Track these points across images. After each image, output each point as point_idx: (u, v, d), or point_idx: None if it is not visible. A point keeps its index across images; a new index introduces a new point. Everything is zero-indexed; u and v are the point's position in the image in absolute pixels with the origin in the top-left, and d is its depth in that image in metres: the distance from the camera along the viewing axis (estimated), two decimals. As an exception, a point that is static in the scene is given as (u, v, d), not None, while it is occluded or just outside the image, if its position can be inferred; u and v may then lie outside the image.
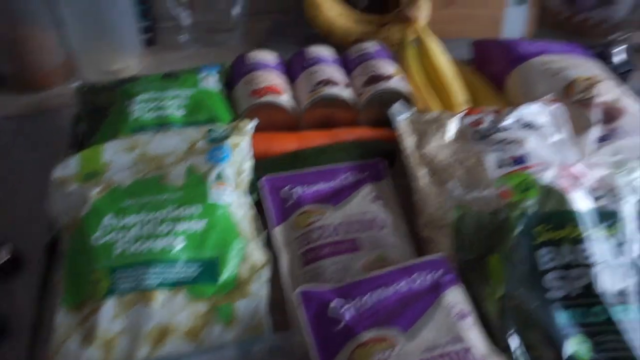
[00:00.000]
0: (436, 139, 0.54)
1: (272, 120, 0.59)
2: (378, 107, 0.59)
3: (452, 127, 0.55)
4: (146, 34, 0.79)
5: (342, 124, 0.61)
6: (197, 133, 0.51)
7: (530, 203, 0.44)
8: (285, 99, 0.58)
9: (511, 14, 0.82)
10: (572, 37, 0.78)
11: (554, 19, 0.87)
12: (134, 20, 0.72)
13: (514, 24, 0.83)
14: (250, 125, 0.53)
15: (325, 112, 0.60)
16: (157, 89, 0.58)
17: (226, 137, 0.51)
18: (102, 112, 0.58)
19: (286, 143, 0.58)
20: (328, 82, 0.59)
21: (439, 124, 0.55)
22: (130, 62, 0.73)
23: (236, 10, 0.79)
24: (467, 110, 0.57)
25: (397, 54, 0.69)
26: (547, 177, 0.45)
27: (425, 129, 0.55)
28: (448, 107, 0.63)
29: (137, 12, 0.75)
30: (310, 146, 0.58)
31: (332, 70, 0.62)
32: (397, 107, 0.57)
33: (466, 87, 0.66)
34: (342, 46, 0.75)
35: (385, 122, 0.57)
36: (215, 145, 0.49)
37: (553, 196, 0.44)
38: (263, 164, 0.54)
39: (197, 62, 0.75)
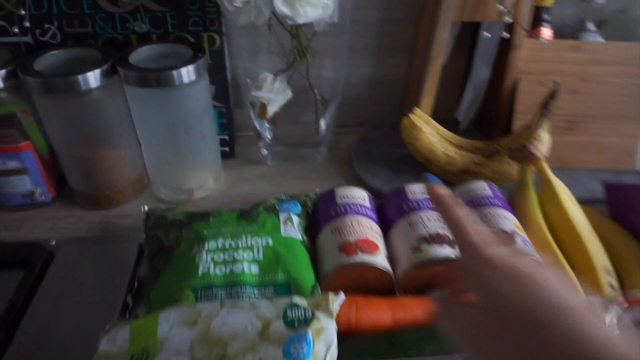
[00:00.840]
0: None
1: (361, 281, 0.48)
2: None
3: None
4: (225, 147, 0.73)
5: (444, 284, 0.49)
6: (272, 309, 0.41)
7: None
8: (380, 258, 0.48)
9: (649, 145, 0.69)
10: None
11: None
12: (215, 138, 0.66)
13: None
14: (338, 301, 0.42)
15: (428, 274, 0.49)
16: (230, 235, 0.49)
17: (308, 320, 0.40)
18: (167, 253, 0.51)
19: (377, 313, 0.47)
20: (434, 239, 0.48)
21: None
22: (206, 179, 0.66)
23: (323, 124, 0.72)
24: (625, 300, 0.43)
25: (511, 197, 0.57)
26: None
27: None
28: (586, 274, 0.49)
29: (218, 124, 0.70)
30: (408, 319, 0.46)
31: (437, 220, 0.51)
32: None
33: (604, 245, 0.52)
34: (443, 174, 0.65)
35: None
36: (295, 333, 0.39)
37: None
38: (348, 346, 0.43)
39: (278, 181, 0.69)
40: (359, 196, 0.55)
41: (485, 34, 0.61)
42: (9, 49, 0.59)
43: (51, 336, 0.47)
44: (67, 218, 0.63)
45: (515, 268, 0.29)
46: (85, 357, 0.40)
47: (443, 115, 0.71)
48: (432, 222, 0.51)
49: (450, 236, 0.50)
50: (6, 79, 0.54)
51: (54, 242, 0.57)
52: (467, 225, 0.33)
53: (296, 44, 0.62)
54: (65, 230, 0.61)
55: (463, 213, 0.34)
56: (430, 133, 0.65)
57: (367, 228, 0.50)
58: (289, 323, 0.40)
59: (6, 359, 0.45)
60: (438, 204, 0.35)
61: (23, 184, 0.60)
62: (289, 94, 0.66)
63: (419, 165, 0.68)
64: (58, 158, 0.61)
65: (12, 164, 0.59)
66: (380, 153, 0.73)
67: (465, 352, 0.30)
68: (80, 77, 0.53)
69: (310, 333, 0.39)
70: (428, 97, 0.69)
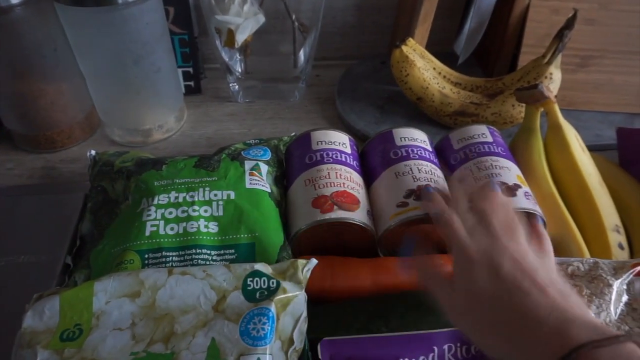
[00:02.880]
0: (594, 310, 0.35)
1: (337, 240, 0.42)
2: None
3: (618, 295, 0.35)
4: (189, 81, 0.64)
5: (437, 247, 0.43)
6: (230, 278, 0.35)
7: None
8: (360, 214, 0.41)
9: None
10: None
11: None
12: (174, 71, 0.56)
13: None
14: (308, 268, 0.36)
15: (416, 231, 0.42)
16: (185, 187, 0.42)
17: (272, 290, 0.34)
18: (113, 207, 0.43)
19: (356, 275, 0.41)
20: (424, 194, 0.41)
21: (596, 287, 0.36)
22: (165, 118, 0.57)
23: (302, 55, 0.62)
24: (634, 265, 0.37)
25: (514, 143, 0.50)
26: None
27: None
28: (593, 233, 0.43)
29: (179, 55, 0.61)
30: (391, 283, 0.41)
31: (429, 172, 0.44)
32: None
33: (614, 198, 0.46)
34: (436, 115, 0.57)
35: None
36: (255, 307, 0.33)
37: None
38: (321, 315, 0.37)
39: (249, 121, 0.61)
40: (339, 140, 0.47)
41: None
42: None
43: (-27, 304, 0.40)
44: (5, 163, 0.55)
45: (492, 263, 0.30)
46: (12, 332, 0.33)
47: (438, 48, 0.62)
48: (422, 173, 0.43)
49: (445, 190, 0.43)
50: None
51: (-15, 191, 0.50)
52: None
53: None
54: (1, 177, 0.53)
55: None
56: (424, 68, 0.56)
57: (346, 179, 0.43)
58: (249, 294, 0.34)
59: None
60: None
61: (-56, 123, 0.52)
62: (260, 19, 0.56)
63: (410, 105, 0.60)
64: (-15, 93, 0.52)
65: None
66: (366, 90, 0.64)
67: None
68: (-4, -10, 0.43)
69: (273, 307, 0.33)
70: (423, 25, 0.59)
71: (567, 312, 0.26)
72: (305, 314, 0.34)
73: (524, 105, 0.53)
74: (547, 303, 0.27)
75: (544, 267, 0.30)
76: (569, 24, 0.50)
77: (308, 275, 0.36)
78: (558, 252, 0.40)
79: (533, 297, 0.27)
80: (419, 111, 0.59)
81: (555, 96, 0.49)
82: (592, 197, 0.45)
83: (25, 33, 0.47)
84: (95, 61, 0.50)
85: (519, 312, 0.27)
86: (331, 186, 0.42)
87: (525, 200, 0.41)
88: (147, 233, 0.39)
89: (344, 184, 0.43)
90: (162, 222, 0.40)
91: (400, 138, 0.47)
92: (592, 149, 0.49)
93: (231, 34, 0.55)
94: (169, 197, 0.41)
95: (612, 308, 0.36)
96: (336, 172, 0.43)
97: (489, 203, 0.35)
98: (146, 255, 0.38)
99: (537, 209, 0.42)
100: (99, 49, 0.48)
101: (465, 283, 0.30)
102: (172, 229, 0.39)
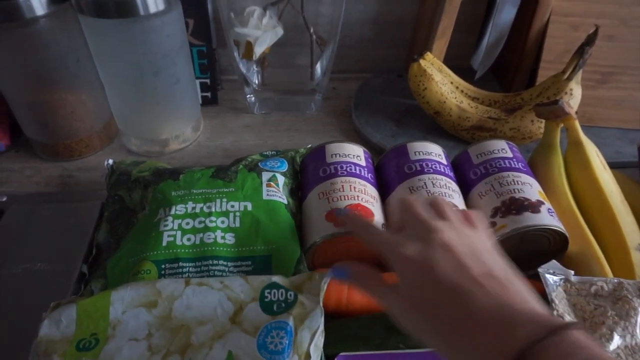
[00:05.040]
0: (620, 333, 0.34)
1: (353, 253, 0.41)
2: (514, 245, 0.41)
3: (645, 318, 0.34)
4: (206, 92, 0.64)
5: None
6: (248, 289, 0.34)
7: None
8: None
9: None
10: None
11: None
12: (192, 82, 0.57)
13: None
14: (325, 281, 0.35)
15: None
16: (202, 198, 0.42)
17: (289, 304, 0.33)
18: (130, 217, 0.43)
19: (373, 290, 0.40)
20: (442, 209, 0.41)
21: (621, 309, 0.35)
22: (182, 129, 0.58)
23: (319, 68, 0.62)
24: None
25: (533, 159, 0.50)
26: None
27: (594, 311, 0.35)
28: (615, 252, 0.42)
29: (197, 66, 0.61)
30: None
31: (444, 186, 0.43)
32: (549, 267, 0.38)
33: (636, 218, 0.45)
34: (454, 130, 0.57)
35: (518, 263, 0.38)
36: (273, 321, 0.32)
37: None
38: (338, 330, 0.37)
39: (265, 133, 0.61)
40: (354, 153, 0.47)
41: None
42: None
43: (-9, 311, 0.40)
44: (23, 170, 0.55)
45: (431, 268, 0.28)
46: (29, 338, 0.33)
47: (455, 62, 0.62)
48: (437, 187, 0.43)
49: (461, 205, 0.42)
50: None
51: (4, 198, 0.50)
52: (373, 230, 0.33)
53: (289, -30, 0.52)
54: (19, 185, 0.54)
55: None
56: (442, 82, 0.56)
57: (360, 192, 0.43)
58: (266, 306, 0.33)
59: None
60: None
61: (-33, 131, 0.52)
62: (279, 32, 0.56)
63: (427, 118, 0.59)
64: (7, 102, 0.53)
65: (-48, 107, 0.50)
66: (383, 104, 0.64)
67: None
68: (22, 1, 0.44)
69: (291, 321, 0.32)
70: (441, 40, 0.59)
71: (510, 307, 0.25)
72: (322, 327, 0.34)
73: (543, 120, 0.52)
74: (488, 301, 0.26)
75: (477, 247, 0.29)
76: (590, 40, 0.50)
77: (325, 288, 0.35)
78: (579, 270, 0.39)
79: (473, 297, 0.26)
80: (436, 125, 0.59)
81: (576, 112, 0.48)
82: (614, 215, 0.44)
83: (49, 44, 0.48)
84: (116, 71, 0.50)
85: (461, 314, 0.26)
86: (345, 199, 0.42)
87: (549, 217, 0.41)
88: (164, 243, 0.39)
89: (357, 196, 0.42)
90: (179, 233, 0.39)
91: (415, 152, 0.46)
92: (613, 166, 0.48)
93: (250, 46, 0.56)
94: (186, 208, 0.41)
95: (637, 331, 0.35)
96: (350, 185, 0.43)
97: (409, 204, 0.33)
98: (163, 266, 0.38)
99: (561, 226, 0.41)
100: (120, 59, 0.49)
101: (408, 289, 0.29)
102: (189, 239, 0.39)
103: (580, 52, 0.51)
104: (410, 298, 0.29)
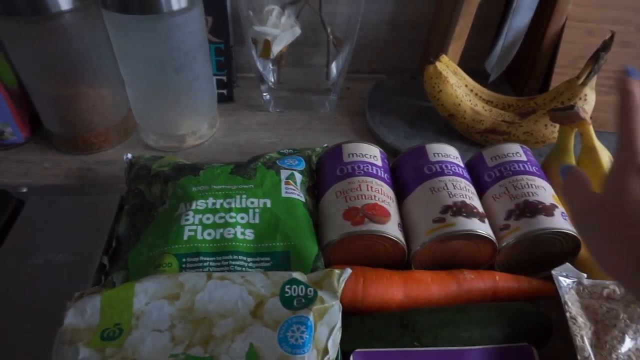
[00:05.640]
0: (631, 335, 0.35)
1: (369, 252, 0.42)
2: (527, 247, 0.42)
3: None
4: (222, 89, 0.65)
5: (469, 263, 0.43)
6: (268, 284, 0.35)
7: None
8: (390, 227, 0.41)
9: None
10: None
11: None
12: (210, 79, 0.58)
13: None
14: (343, 278, 0.36)
15: (450, 248, 0.42)
16: (223, 194, 0.42)
17: (309, 299, 0.34)
18: (150, 211, 0.44)
19: (387, 287, 0.41)
20: (460, 210, 0.41)
21: (633, 312, 0.36)
22: (199, 125, 0.59)
23: (334, 68, 0.63)
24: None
25: (546, 163, 0.50)
26: None
27: (606, 314, 0.36)
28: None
29: (215, 63, 0.62)
30: (423, 296, 0.41)
31: (464, 188, 0.44)
32: (563, 269, 0.38)
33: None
34: (467, 132, 0.57)
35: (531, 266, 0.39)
36: (293, 315, 0.33)
37: None
38: (354, 326, 0.38)
39: (280, 131, 0.62)
40: (370, 153, 0.48)
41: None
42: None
43: (12, 301, 0.41)
44: (42, 162, 0.56)
45: None
46: (51, 327, 0.34)
47: (469, 65, 0.62)
48: (458, 189, 0.44)
49: (480, 208, 0.43)
50: (-41, -6, 0.45)
51: (25, 189, 0.51)
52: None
53: (308, -30, 0.52)
54: (39, 177, 0.54)
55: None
56: (457, 85, 0.57)
57: (377, 192, 0.43)
58: (286, 301, 0.34)
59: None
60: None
61: (-11, 122, 0.53)
62: (297, 31, 0.57)
63: (441, 120, 0.60)
64: (29, 95, 0.53)
65: (-25, 98, 0.51)
66: (397, 104, 0.65)
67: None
68: (47, -5, 0.44)
69: (311, 316, 0.33)
70: (457, 42, 0.60)
71: None
72: (339, 324, 0.35)
73: (556, 125, 0.53)
74: None
75: None
76: (606, 46, 0.50)
77: (343, 285, 0.36)
78: (592, 273, 0.40)
79: None
80: (449, 127, 0.60)
81: (590, 117, 0.49)
82: (626, 220, 0.44)
83: (74, 38, 0.48)
84: (137, 67, 0.51)
85: None
86: (362, 198, 0.43)
87: (562, 220, 0.41)
88: (185, 237, 0.39)
89: (374, 196, 0.43)
90: (199, 227, 0.40)
91: (434, 154, 0.47)
92: (625, 171, 0.49)
93: (267, 45, 0.56)
94: (206, 203, 0.42)
95: (649, 334, 0.35)
96: (367, 185, 0.44)
97: None
98: (184, 259, 0.38)
99: (573, 229, 0.42)
100: (142, 55, 0.50)
101: (617, 192, 0.28)
102: (209, 234, 0.40)
103: (596, 57, 0.51)
104: (616, 204, 0.28)
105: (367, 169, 0.46)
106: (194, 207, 0.41)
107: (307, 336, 0.32)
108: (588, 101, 0.52)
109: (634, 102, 0.30)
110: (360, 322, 0.38)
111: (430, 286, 0.41)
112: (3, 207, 0.48)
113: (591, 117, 0.50)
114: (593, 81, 0.53)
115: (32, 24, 0.46)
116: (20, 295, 0.41)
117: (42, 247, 0.45)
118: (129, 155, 0.50)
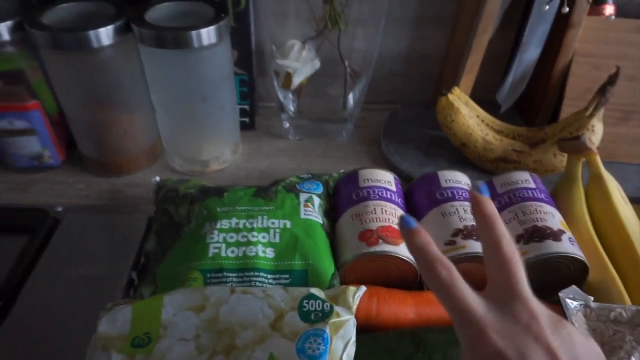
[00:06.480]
0: (637, 357, 0.36)
1: (383, 272, 0.44)
2: (535, 271, 0.43)
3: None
4: (244, 117, 0.69)
5: (479, 285, 0.45)
6: (287, 299, 0.37)
7: None
8: (404, 249, 0.43)
9: None
10: None
11: None
12: (235, 108, 0.61)
13: None
14: (358, 295, 0.38)
15: (460, 270, 0.44)
16: (245, 215, 0.45)
17: (326, 314, 0.36)
18: (177, 230, 0.47)
19: (400, 307, 0.43)
20: (471, 234, 0.43)
21: (639, 334, 0.37)
22: (223, 151, 0.62)
23: (351, 99, 0.66)
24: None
25: (555, 191, 0.52)
26: None
27: (613, 336, 0.37)
28: (635, 283, 0.44)
29: (239, 93, 0.66)
30: (434, 316, 0.42)
31: (473, 213, 0.46)
32: (570, 292, 0.40)
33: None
34: (479, 161, 0.60)
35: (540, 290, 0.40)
36: (311, 328, 0.35)
37: None
38: (367, 342, 0.39)
39: (299, 157, 0.65)
40: (385, 179, 0.50)
41: (547, 6, 0.54)
42: (18, -2, 0.55)
43: (49, 309, 0.44)
44: (76, 184, 0.60)
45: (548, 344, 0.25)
46: (84, 333, 0.36)
47: (481, 97, 0.65)
48: (468, 213, 0.46)
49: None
50: (13, 31, 0.50)
51: (60, 209, 0.54)
52: (513, 258, 0.29)
53: (328, 9, 0.56)
54: (72, 197, 0.58)
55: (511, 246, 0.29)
56: (468, 115, 0.60)
57: (391, 215, 0.46)
58: (304, 315, 0.36)
59: (2, 329, 0.42)
60: (482, 221, 0.31)
61: (31, 146, 0.57)
62: (316, 64, 0.60)
63: (453, 149, 0.62)
64: (68, 120, 0.58)
65: (20, 124, 0.55)
66: (411, 134, 0.68)
67: None
68: (91, 33, 0.49)
69: (328, 329, 0.35)
70: (469, 75, 0.63)
71: None
72: (354, 338, 0.36)
73: (565, 154, 0.55)
74: None
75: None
76: (612, 80, 0.53)
77: (358, 301, 0.38)
78: (599, 297, 0.41)
79: None
80: (461, 155, 0.62)
81: (597, 148, 0.51)
82: (633, 247, 0.46)
83: (112, 69, 0.53)
84: (168, 96, 0.55)
85: None
86: (377, 221, 0.45)
87: (570, 245, 0.43)
88: (210, 254, 0.42)
89: (388, 219, 0.45)
90: (223, 245, 0.43)
91: (445, 180, 0.49)
92: (634, 201, 0.50)
93: (289, 77, 0.60)
94: (230, 223, 0.44)
95: (655, 356, 0.36)
96: (382, 208, 0.46)
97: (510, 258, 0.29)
98: (208, 275, 0.41)
99: (581, 254, 0.43)
100: (172, 85, 0.54)
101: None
102: (232, 252, 0.42)
103: (602, 91, 0.54)
104: None
105: (382, 194, 0.48)
106: (218, 226, 0.44)
107: (324, 347, 0.34)
108: (595, 132, 0.54)
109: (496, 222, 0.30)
110: (373, 339, 0.40)
111: (442, 307, 0.43)
112: (41, 225, 0.51)
113: (599, 148, 0.52)
114: (600, 113, 0.55)
115: (76, 57, 0.51)
116: (56, 305, 0.44)
117: (75, 262, 0.48)
118: (157, 178, 0.53)
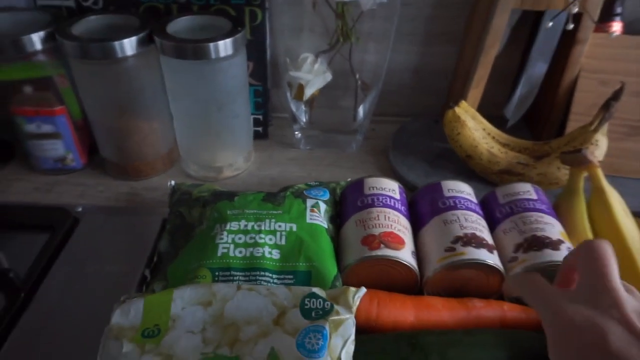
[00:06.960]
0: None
1: (384, 276, 0.46)
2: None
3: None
4: (258, 127, 0.71)
5: (479, 293, 0.46)
6: (290, 297, 0.39)
7: None
8: (405, 254, 0.45)
9: None
10: None
11: None
12: (249, 118, 0.64)
13: None
14: (358, 295, 0.40)
15: (460, 277, 0.45)
16: (254, 217, 0.47)
17: (326, 312, 0.38)
18: (189, 231, 0.49)
19: (400, 310, 0.44)
20: (470, 241, 0.45)
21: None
22: (236, 158, 0.65)
23: (361, 111, 0.68)
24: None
25: (557, 203, 0.53)
26: None
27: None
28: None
29: (253, 103, 0.69)
30: (433, 320, 0.43)
31: (475, 221, 0.47)
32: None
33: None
34: (484, 172, 0.61)
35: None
36: (311, 325, 0.37)
37: None
38: (366, 342, 0.41)
39: (309, 166, 0.67)
40: (389, 187, 0.52)
41: (550, 23, 0.56)
42: (51, 11, 0.59)
43: (67, 301, 0.46)
44: (96, 186, 0.63)
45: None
46: (98, 325, 0.39)
47: (489, 111, 0.67)
48: (469, 222, 0.47)
49: (490, 240, 0.46)
50: (45, 41, 0.54)
51: (80, 209, 0.57)
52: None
53: (341, 24, 0.59)
54: (93, 198, 0.61)
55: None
56: (474, 128, 0.61)
57: (394, 221, 0.47)
58: (305, 312, 0.38)
59: (22, 320, 0.45)
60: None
61: (55, 149, 0.61)
62: (328, 77, 0.63)
63: (459, 161, 0.64)
64: (91, 126, 0.61)
65: (47, 128, 0.59)
66: (418, 146, 0.70)
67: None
68: (116, 43, 0.52)
69: (327, 326, 0.37)
70: (476, 90, 0.65)
71: None
72: (353, 336, 0.38)
73: (568, 167, 0.56)
74: None
75: None
76: (616, 95, 0.54)
77: (358, 302, 0.40)
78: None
79: None
80: (467, 167, 0.63)
81: (600, 161, 0.52)
82: (634, 259, 0.46)
83: (134, 78, 0.56)
84: (186, 105, 0.58)
85: None
86: (380, 227, 0.46)
87: (567, 254, 0.44)
88: (219, 254, 0.44)
89: (391, 225, 0.47)
90: (232, 246, 0.45)
91: (448, 189, 0.51)
92: (637, 214, 0.51)
93: (301, 89, 0.63)
94: (239, 225, 0.47)
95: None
96: (385, 215, 0.48)
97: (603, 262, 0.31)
98: (217, 273, 0.43)
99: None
100: (191, 94, 0.56)
101: (562, 353, 0.28)
102: (240, 252, 0.45)
103: (606, 106, 0.55)
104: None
105: (386, 201, 0.50)
106: (228, 227, 0.46)
107: (323, 343, 0.36)
108: (600, 146, 0.55)
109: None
110: (371, 340, 0.41)
111: (441, 311, 0.44)
112: (62, 223, 0.54)
113: (604, 162, 0.53)
114: (605, 128, 0.56)
115: (101, 66, 0.54)
116: (74, 298, 0.46)
117: (93, 259, 0.51)
118: (173, 182, 0.56)
